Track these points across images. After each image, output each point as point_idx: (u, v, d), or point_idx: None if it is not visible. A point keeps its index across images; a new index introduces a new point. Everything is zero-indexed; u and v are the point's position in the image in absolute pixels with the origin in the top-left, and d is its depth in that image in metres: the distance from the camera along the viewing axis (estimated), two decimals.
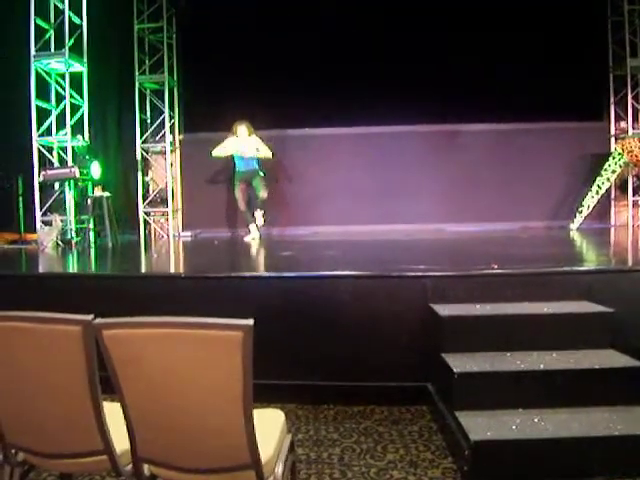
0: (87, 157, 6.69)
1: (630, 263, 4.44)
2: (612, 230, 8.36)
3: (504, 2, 8.30)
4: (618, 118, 9.16)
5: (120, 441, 1.78)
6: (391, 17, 8.35)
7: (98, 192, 6.90)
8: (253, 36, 8.13)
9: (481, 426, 2.61)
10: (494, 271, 3.57)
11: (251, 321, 1.52)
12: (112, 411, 1.75)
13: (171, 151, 8.75)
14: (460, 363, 2.91)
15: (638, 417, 2.69)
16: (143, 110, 8.71)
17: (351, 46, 8.27)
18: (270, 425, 1.97)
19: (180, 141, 8.91)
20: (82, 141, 6.87)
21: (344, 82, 8.11)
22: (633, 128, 8.87)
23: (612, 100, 9.18)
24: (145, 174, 8.78)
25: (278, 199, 8.27)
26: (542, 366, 2.89)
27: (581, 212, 8.07)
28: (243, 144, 7.39)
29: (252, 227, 7.41)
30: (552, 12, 8.40)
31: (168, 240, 8.28)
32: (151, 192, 8.76)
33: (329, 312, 3.45)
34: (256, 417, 1.64)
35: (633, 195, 8.76)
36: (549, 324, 3.15)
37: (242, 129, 7.42)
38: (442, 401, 3.08)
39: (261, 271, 3.82)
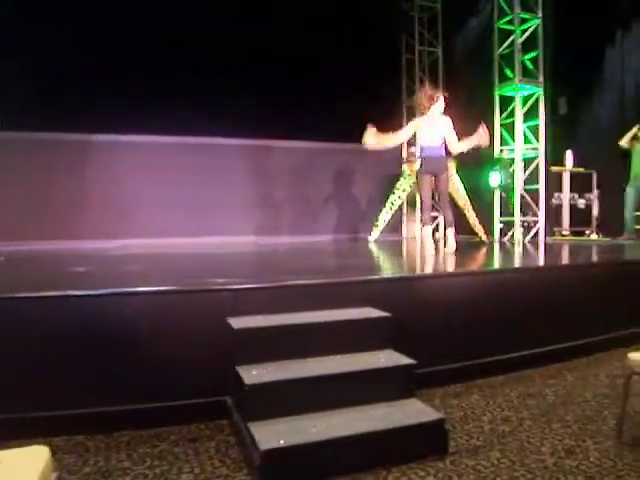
0: None
1: (406, 271, 4.91)
2: (403, 242, 9.17)
3: (316, 38, 8.79)
4: (409, 143, 10.17)
5: None
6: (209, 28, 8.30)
7: None
8: (73, 31, 7.48)
9: (272, 435, 2.65)
10: (289, 282, 3.68)
11: None
12: None
13: None
14: (252, 374, 2.94)
15: (410, 409, 2.96)
16: None
17: (177, 54, 8.09)
18: (25, 467, 1.69)
19: None
20: None
21: (164, 90, 7.87)
22: None
23: None
24: None
25: (82, 209, 7.74)
26: (331, 370, 3.04)
27: (377, 226, 8.76)
28: (433, 125, 5.97)
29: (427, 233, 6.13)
30: (356, 46, 9.12)
31: None
32: None
33: (121, 332, 3.26)
34: (10, 459, 1.46)
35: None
36: (337, 330, 3.33)
37: (439, 105, 5.92)
38: (238, 413, 3.08)
39: (40, 290, 3.43)
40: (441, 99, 6.00)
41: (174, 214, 8.40)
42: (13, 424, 2.92)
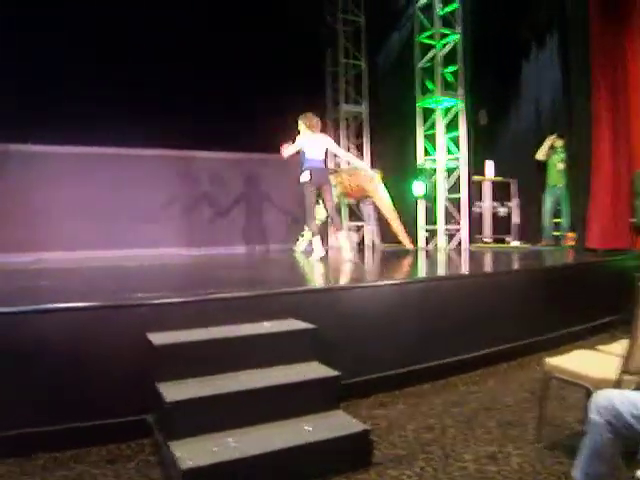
0: None
1: (331, 282, 4.93)
2: (328, 252, 9.18)
3: (240, 49, 8.73)
4: (327, 154, 10.26)
5: None
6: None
7: None
8: None
9: (193, 453, 2.56)
10: (211, 296, 3.60)
11: None
12: None
13: None
14: (173, 391, 2.85)
15: (335, 422, 2.95)
16: None
17: (86, 61, 7.78)
18: None
19: None
20: None
21: (77, 98, 7.53)
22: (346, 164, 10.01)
23: None
24: None
25: None
26: (254, 385, 2.98)
27: (303, 236, 8.73)
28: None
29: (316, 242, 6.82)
30: (280, 58, 9.12)
31: None
32: None
33: (35, 351, 3.08)
34: None
35: (347, 221, 9.86)
36: (261, 343, 3.28)
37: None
38: (159, 432, 2.97)
39: None
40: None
41: (92, 226, 8.05)
42: None
